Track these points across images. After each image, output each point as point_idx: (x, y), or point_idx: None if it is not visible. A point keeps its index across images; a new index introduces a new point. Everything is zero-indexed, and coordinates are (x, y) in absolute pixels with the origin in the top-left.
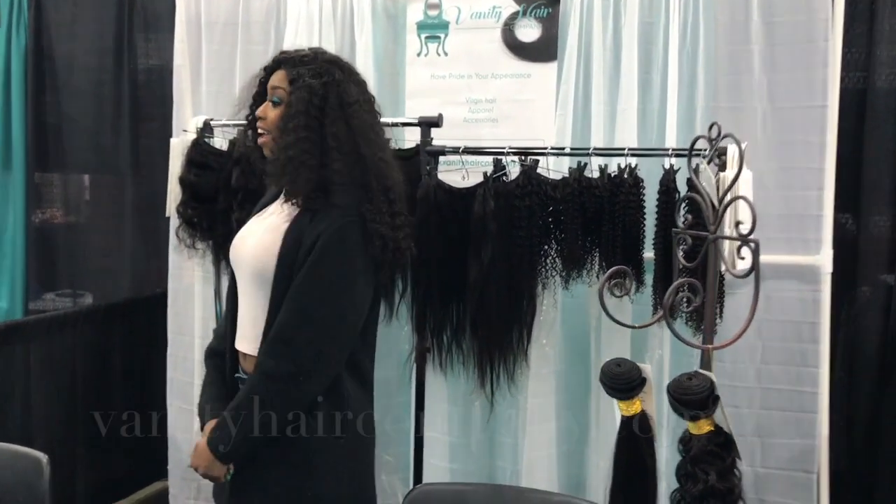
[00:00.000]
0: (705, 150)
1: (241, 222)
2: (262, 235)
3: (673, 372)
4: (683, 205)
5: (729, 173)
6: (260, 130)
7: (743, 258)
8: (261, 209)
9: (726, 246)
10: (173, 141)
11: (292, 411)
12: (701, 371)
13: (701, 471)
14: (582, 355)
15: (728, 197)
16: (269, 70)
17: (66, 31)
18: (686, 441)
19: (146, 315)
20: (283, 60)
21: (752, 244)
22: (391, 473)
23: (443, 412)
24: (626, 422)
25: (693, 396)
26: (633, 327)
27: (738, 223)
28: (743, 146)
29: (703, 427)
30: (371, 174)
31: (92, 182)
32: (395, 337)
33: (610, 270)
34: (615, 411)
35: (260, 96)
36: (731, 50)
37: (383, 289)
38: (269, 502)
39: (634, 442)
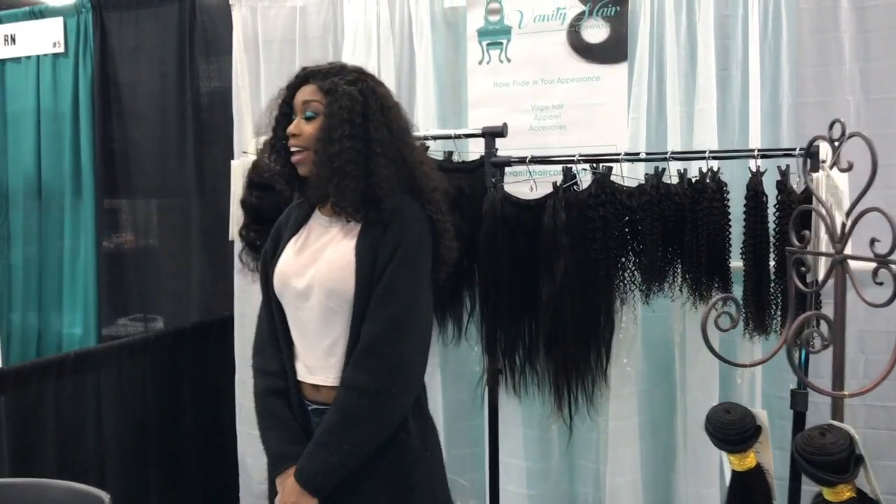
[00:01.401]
0: (796, 150)
1: (255, 246)
2: (329, 257)
3: (766, 392)
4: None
5: (840, 178)
6: (294, 148)
7: (881, 283)
8: (292, 233)
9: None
10: (234, 163)
11: (387, 427)
12: (836, 424)
13: None
14: (666, 373)
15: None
16: (293, 87)
17: (129, 58)
18: None
19: (215, 338)
20: (311, 74)
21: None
22: (467, 499)
23: (518, 436)
24: (739, 478)
25: (829, 458)
26: (745, 366)
27: (873, 241)
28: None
29: (842, 494)
30: (417, 177)
31: (159, 206)
32: (465, 358)
33: (714, 299)
34: (724, 464)
35: (284, 116)
36: (817, 39)
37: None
38: None
39: (749, 502)
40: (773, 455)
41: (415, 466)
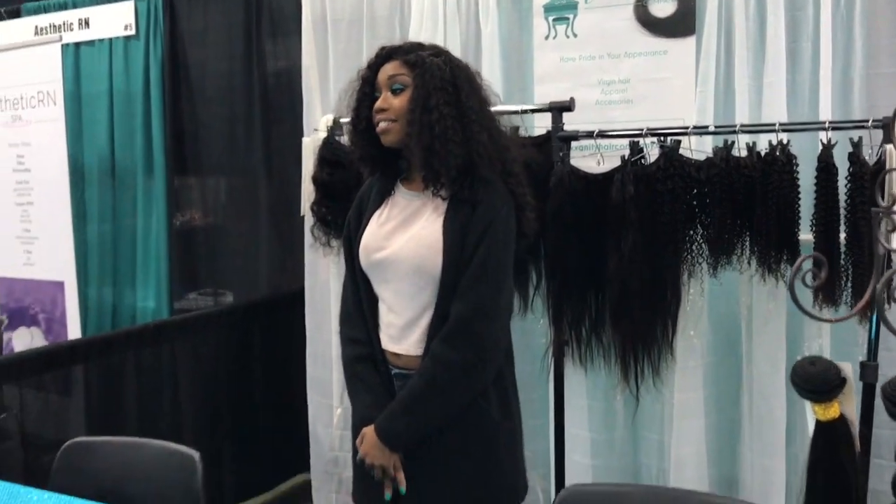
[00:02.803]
0: (868, 122)
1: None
2: (417, 233)
3: None
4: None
5: None
6: (383, 123)
7: None
8: (375, 207)
9: None
10: (305, 140)
11: (468, 398)
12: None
13: None
14: (732, 346)
15: None
16: (374, 66)
17: (198, 39)
18: None
19: (284, 312)
20: (392, 51)
21: None
22: (530, 469)
23: (583, 407)
24: (823, 427)
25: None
26: (829, 321)
27: None
28: None
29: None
30: (500, 148)
31: (228, 184)
32: (530, 330)
33: (801, 258)
34: (807, 414)
35: (366, 96)
36: (892, 9)
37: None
38: (454, 492)
39: (833, 451)
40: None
41: (492, 434)
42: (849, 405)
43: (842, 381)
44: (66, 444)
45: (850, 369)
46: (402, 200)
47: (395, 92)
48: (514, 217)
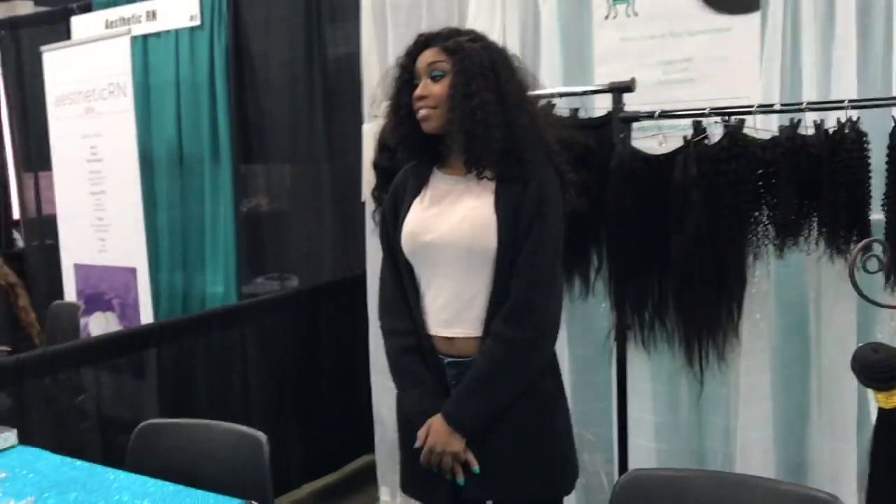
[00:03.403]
0: None
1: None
2: (467, 214)
3: None
4: None
5: None
6: (423, 110)
7: None
8: (414, 195)
9: None
10: (365, 127)
11: (532, 375)
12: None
13: None
14: (800, 329)
15: None
16: (412, 54)
17: (261, 29)
18: None
19: (348, 296)
20: (430, 38)
21: None
22: (593, 452)
23: (647, 391)
24: (886, 415)
25: None
26: (890, 307)
27: None
28: None
29: None
30: (541, 129)
31: (292, 171)
32: (592, 313)
33: (862, 242)
34: (870, 402)
35: (406, 84)
36: None
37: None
38: (516, 470)
39: None
40: None
41: (551, 413)
42: None
43: None
44: (139, 426)
45: None
46: (443, 185)
47: (434, 79)
48: (560, 193)
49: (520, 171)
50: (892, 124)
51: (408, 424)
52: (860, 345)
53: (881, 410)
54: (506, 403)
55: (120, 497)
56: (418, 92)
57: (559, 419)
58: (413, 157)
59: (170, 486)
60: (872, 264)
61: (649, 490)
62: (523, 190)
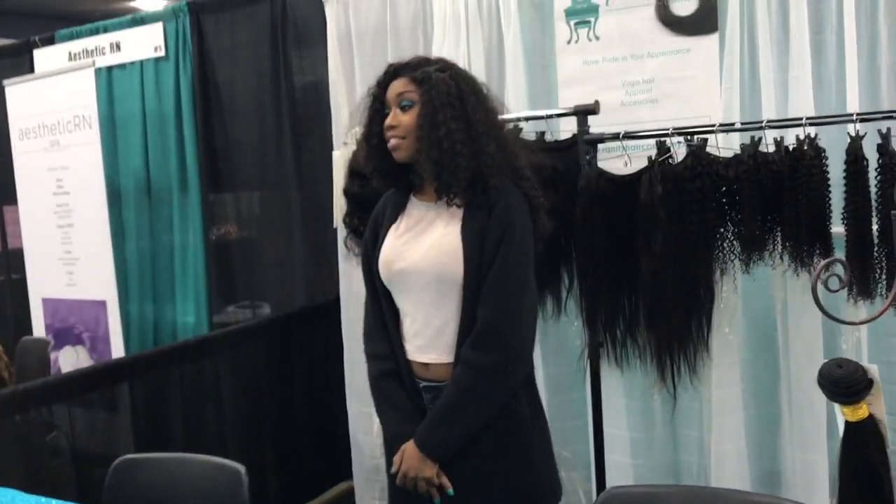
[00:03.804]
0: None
1: (359, 232)
2: (436, 242)
3: (872, 357)
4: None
5: None
6: (393, 139)
7: None
8: (391, 221)
9: None
10: (335, 154)
11: (502, 400)
12: None
13: None
14: (768, 341)
15: None
16: (383, 84)
17: (226, 58)
18: None
19: (322, 321)
20: (399, 69)
21: None
22: (570, 470)
23: (621, 407)
24: (852, 428)
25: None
26: (854, 323)
27: None
28: None
29: None
30: (509, 155)
31: (261, 198)
32: (564, 332)
33: (823, 262)
34: (837, 417)
35: (377, 113)
36: None
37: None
38: (492, 494)
39: (863, 450)
40: (885, 407)
41: (526, 434)
42: (878, 405)
43: (869, 383)
44: (116, 461)
45: (876, 371)
46: (417, 212)
47: (403, 109)
48: (531, 219)
49: (486, 199)
50: (848, 139)
51: (390, 446)
52: (826, 361)
53: (848, 423)
54: (477, 428)
55: None
56: (388, 122)
57: (536, 440)
58: (387, 185)
59: None
60: (834, 283)
61: None
62: (488, 217)
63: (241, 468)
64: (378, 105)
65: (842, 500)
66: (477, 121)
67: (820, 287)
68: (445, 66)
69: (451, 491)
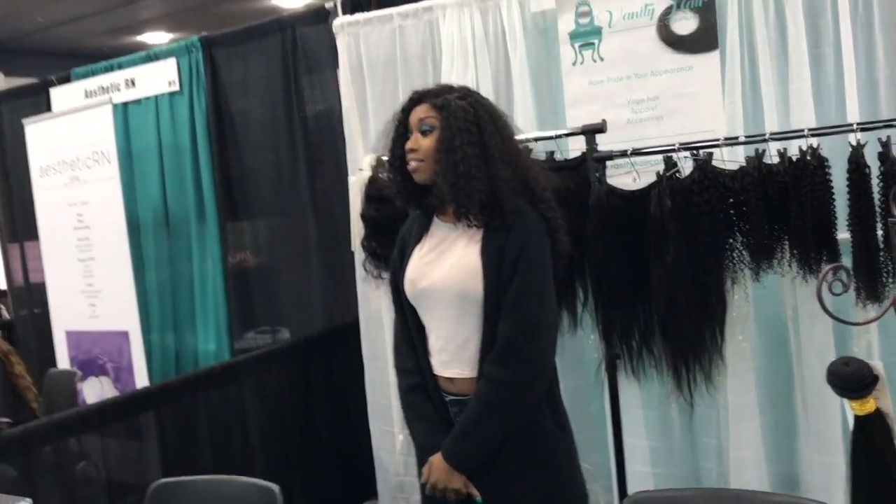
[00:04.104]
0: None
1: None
2: (456, 261)
3: (884, 360)
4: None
5: None
6: (413, 162)
7: None
8: (416, 242)
9: None
10: (351, 179)
11: (525, 414)
12: None
13: None
14: (781, 347)
15: None
16: (406, 109)
17: (239, 90)
18: None
19: (342, 343)
20: (423, 95)
21: None
22: (592, 481)
23: (639, 417)
24: (861, 421)
25: None
26: (858, 324)
27: None
28: None
29: None
30: (528, 178)
31: (278, 225)
32: (581, 345)
33: (826, 269)
34: (847, 412)
35: (400, 136)
36: None
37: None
38: (520, 502)
39: (872, 442)
40: (891, 400)
41: (552, 446)
42: (884, 399)
43: (875, 378)
44: (152, 485)
45: (881, 367)
46: (440, 232)
47: (424, 133)
48: (548, 239)
49: (503, 220)
50: (849, 148)
51: (420, 457)
52: (832, 360)
53: (857, 417)
54: (500, 440)
55: None
56: (409, 145)
57: (560, 450)
58: (409, 206)
59: None
60: (837, 287)
61: None
62: (506, 237)
63: (276, 487)
64: (402, 129)
65: (853, 488)
66: (493, 146)
67: (827, 292)
68: (466, 94)
69: (479, 499)
